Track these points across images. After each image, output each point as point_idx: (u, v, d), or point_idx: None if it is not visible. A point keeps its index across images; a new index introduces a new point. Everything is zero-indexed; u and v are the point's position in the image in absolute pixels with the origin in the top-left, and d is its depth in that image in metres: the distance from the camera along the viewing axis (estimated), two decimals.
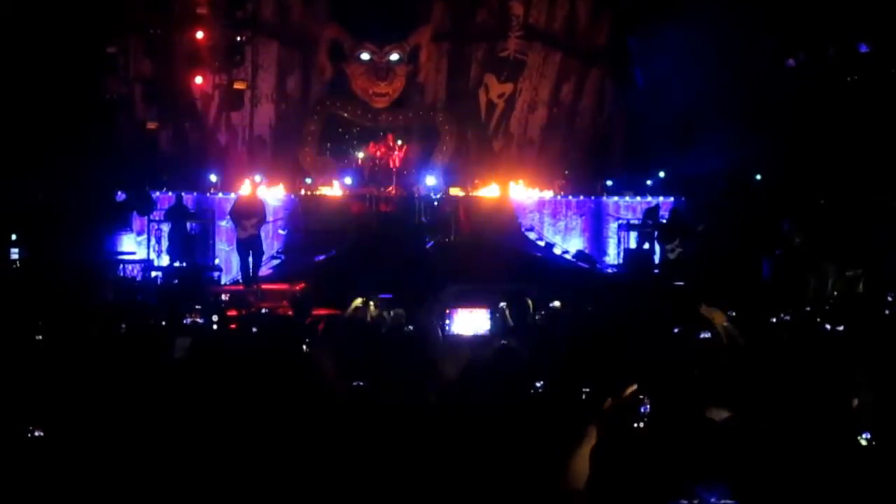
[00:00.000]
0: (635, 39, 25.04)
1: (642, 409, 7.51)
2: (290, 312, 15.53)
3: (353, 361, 8.93)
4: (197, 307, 13.15)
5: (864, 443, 5.61)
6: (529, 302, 12.57)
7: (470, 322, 10.89)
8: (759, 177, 24.13)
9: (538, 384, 7.58)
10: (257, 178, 22.20)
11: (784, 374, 8.01)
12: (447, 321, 10.86)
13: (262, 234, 21.05)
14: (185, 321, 12.57)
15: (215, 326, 12.46)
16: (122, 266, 20.78)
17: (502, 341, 9.14)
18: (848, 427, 5.80)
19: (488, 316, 10.99)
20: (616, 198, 24.90)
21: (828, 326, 13.60)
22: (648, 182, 25.28)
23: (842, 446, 5.62)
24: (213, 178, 22.94)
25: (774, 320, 14.54)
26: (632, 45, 25.08)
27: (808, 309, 16.34)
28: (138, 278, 20.50)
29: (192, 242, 21.36)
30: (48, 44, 19.42)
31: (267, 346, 9.94)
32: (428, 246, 21.50)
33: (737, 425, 5.86)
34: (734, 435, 5.76)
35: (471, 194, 24.08)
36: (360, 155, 24.41)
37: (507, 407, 6.95)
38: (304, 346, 10.23)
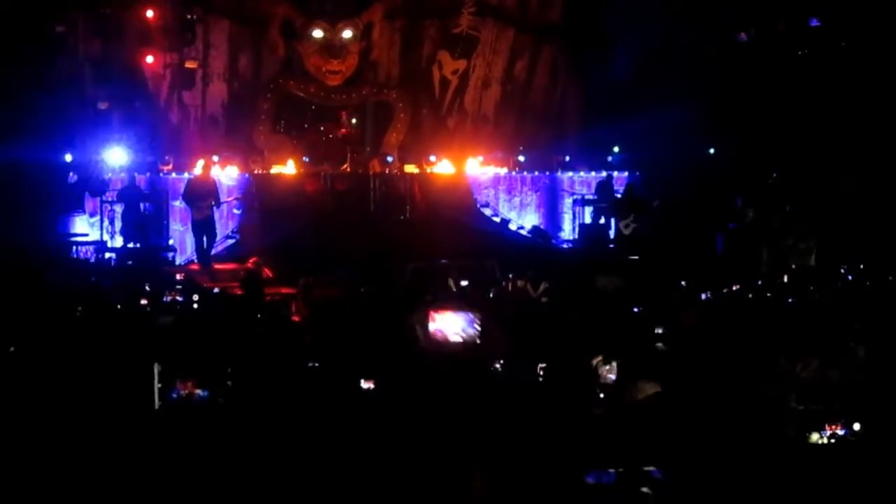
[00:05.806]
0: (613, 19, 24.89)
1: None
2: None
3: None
4: (178, 286, 13.14)
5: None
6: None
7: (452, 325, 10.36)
8: (712, 151, 24.27)
9: (497, 364, 7.64)
10: (214, 157, 22.20)
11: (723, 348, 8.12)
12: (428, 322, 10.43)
13: (217, 215, 20.91)
14: (164, 299, 12.57)
15: (196, 305, 12.45)
16: (75, 248, 20.59)
17: None
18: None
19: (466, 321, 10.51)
20: (571, 173, 24.92)
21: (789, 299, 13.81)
22: (609, 158, 25.30)
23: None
24: (167, 158, 22.77)
25: (725, 291, 14.74)
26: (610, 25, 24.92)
27: (761, 282, 16.54)
28: (91, 260, 20.32)
29: (145, 223, 21.17)
30: None
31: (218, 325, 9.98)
32: None
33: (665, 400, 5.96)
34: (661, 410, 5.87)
35: (426, 171, 24.05)
36: (315, 133, 24.34)
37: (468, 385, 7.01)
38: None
